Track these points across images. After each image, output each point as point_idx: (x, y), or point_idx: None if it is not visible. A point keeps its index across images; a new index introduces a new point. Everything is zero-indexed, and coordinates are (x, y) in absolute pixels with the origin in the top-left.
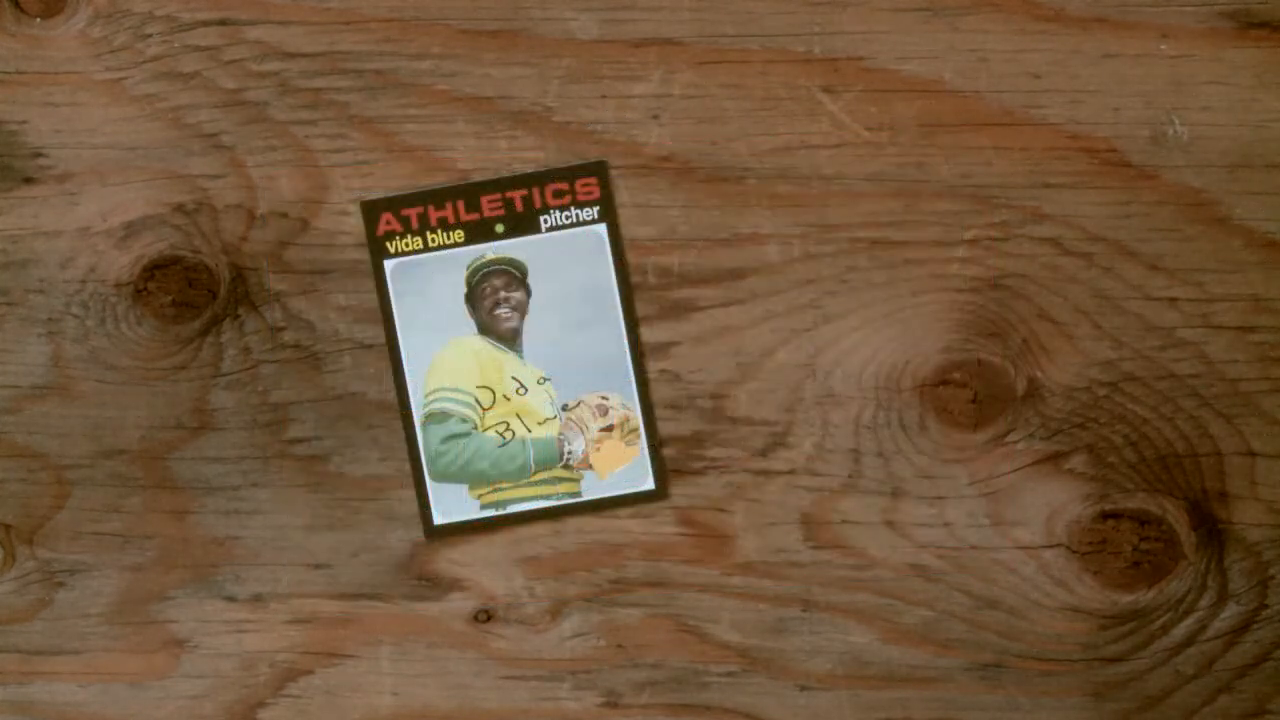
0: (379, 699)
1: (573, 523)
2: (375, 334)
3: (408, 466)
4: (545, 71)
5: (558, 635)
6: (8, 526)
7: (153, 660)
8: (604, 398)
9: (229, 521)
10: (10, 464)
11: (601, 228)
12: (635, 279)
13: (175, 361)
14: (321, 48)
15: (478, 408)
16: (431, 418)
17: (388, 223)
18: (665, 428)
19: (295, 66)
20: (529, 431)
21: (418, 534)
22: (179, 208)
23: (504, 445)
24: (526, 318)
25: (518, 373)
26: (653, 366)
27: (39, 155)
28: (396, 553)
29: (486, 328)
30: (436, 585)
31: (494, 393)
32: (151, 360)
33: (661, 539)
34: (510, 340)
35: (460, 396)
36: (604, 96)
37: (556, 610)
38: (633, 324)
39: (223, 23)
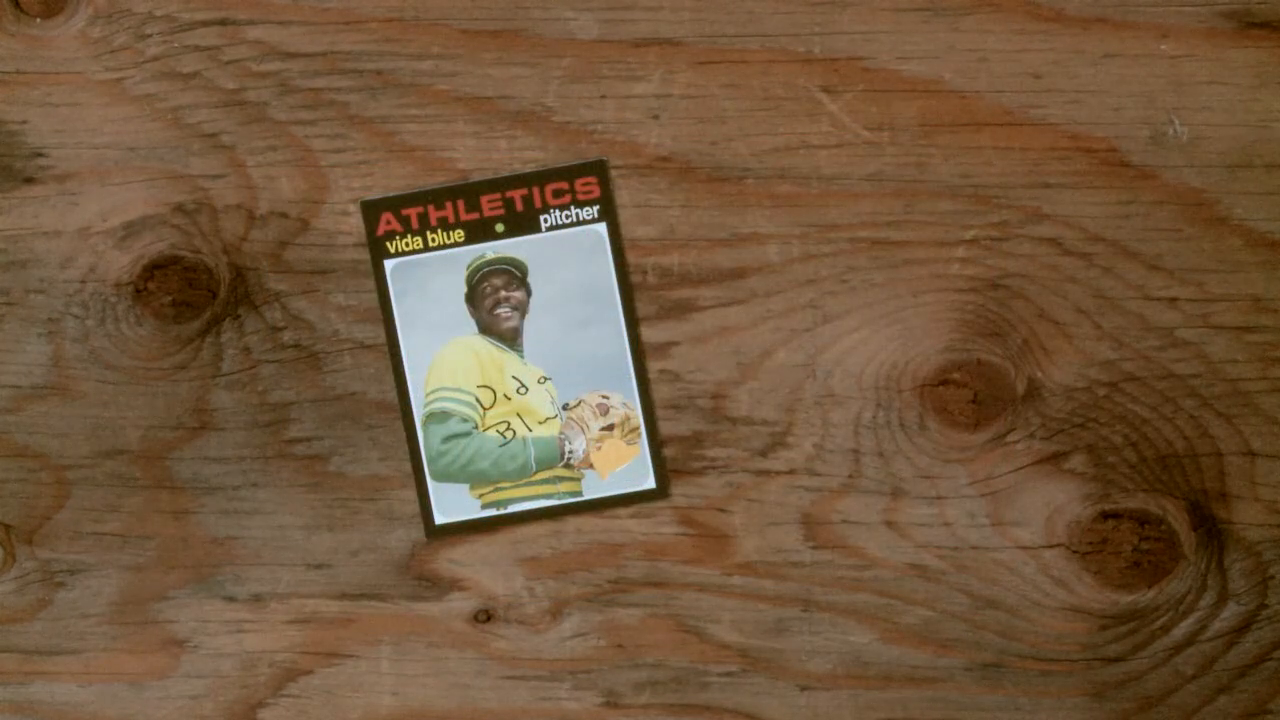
0: (379, 699)
1: (573, 523)
2: (375, 334)
3: (408, 466)
4: (545, 71)
5: (558, 635)
6: (8, 526)
7: (153, 660)
8: (605, 397)
9: (229, 521)
10: (10, 464)
11: (601, 227)
12: (635, 279)
13: (175, 361)
14: (321, 48)
15: (478, 407)
16: (432, 417)
17: (388, 223)
18: (665, 428)
19: (295, 66)
20: (530, 431)
21: (418, 534)
22: (179, 208)
23: (505, 445)
24: (527, 317)
25: (518, 372)
26: (653, 366)
27: (39, 155)
28: (396, 553)
29: (487, 327)
30: (436, 585)
31: (494, 392)
32: (151, 360)
33: (661, 539)
34: (511, 340)
35: (461, 396)
36: (604, 96)
37: (556, 610)
38: (633, 323)
39: (223, 23)
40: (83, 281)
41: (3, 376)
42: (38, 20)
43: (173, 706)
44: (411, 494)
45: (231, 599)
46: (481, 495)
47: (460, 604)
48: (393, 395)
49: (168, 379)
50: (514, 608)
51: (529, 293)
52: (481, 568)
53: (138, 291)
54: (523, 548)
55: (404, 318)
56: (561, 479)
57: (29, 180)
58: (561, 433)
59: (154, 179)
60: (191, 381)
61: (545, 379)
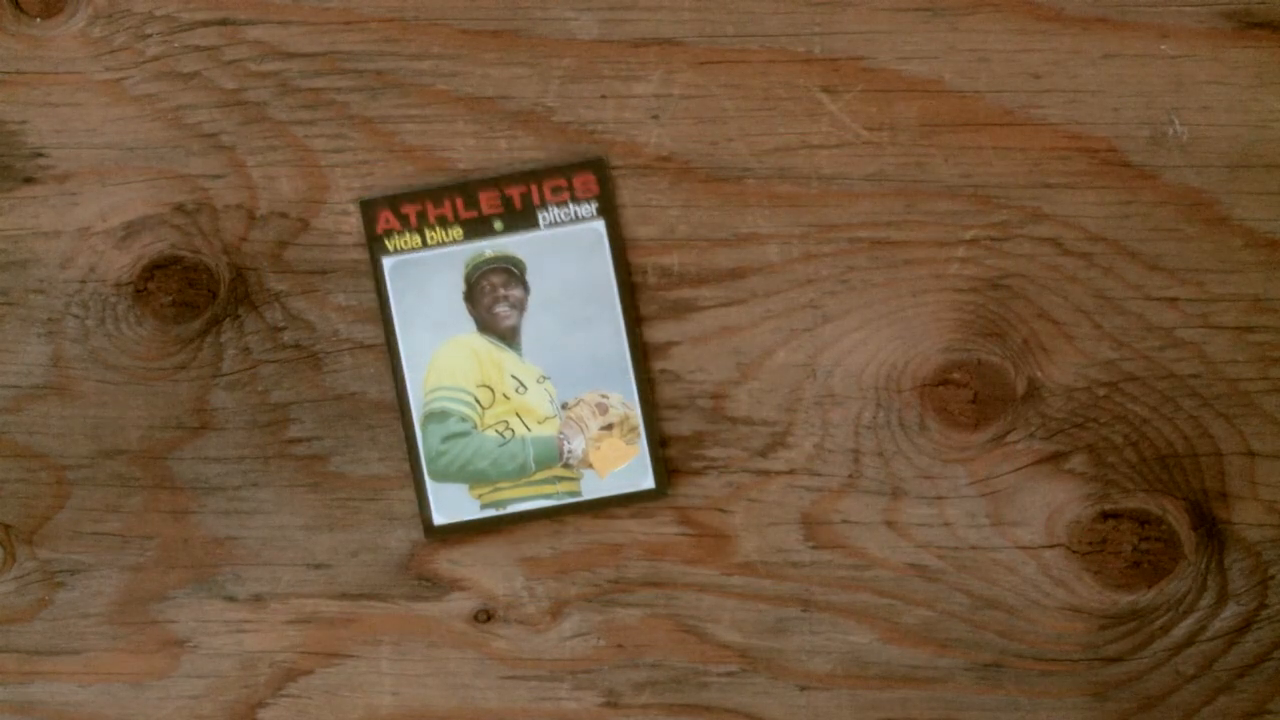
0: (379, 699)
1: (573, 522)
2: (375, 334)
3: (407, 466)
4: (545, 71)
5: (558, 635)
6: (8, 526)
7: (153, 660)
8: (604, 396)
9: (229, 521)
10: (10, 464)
11: (600, 224)
12: (635, 279)
13: (175, 361)
14: (321, 48)
15: (477, 407)
16: (431, 417)
17: (386, 220)
18: (665, 428)
19: (295, 66)
20: (529, 430)
21: (418, 534)
22: (179, 208)
23: (504, 445)
24: (525, 315)
25: (517, 371)
26: (653, 366)
27: (39, 155)
28: (396, 553)
29: (486, 326)
30: (436, 585)
31: (493, 391)
32: (151, 360)
33: (661, 539)
34: (509, 338)
35: (460, 395)
36: (604, 96)
37: (556, 610)
38: (632, 321)
39: (223, 23)
40: (83, 281)
41: (3, 376)
42: (38, 20)
43: (173, 706)
44: (411, 494)
45: (231, 599)
46: (480, 495)
47: (460, 604)
48: (393, 395)
49: (168, 379)
50: (514, 608)
51: (528, 291)
52: (481, 568)
53: (138, 291)
54: (523, 548)
55: (403, 316)
56: (560, 479)
57: (29, 180)
58: (560, 432)
59: (154, 179)
60: (191, 381)
61: (544, 378)
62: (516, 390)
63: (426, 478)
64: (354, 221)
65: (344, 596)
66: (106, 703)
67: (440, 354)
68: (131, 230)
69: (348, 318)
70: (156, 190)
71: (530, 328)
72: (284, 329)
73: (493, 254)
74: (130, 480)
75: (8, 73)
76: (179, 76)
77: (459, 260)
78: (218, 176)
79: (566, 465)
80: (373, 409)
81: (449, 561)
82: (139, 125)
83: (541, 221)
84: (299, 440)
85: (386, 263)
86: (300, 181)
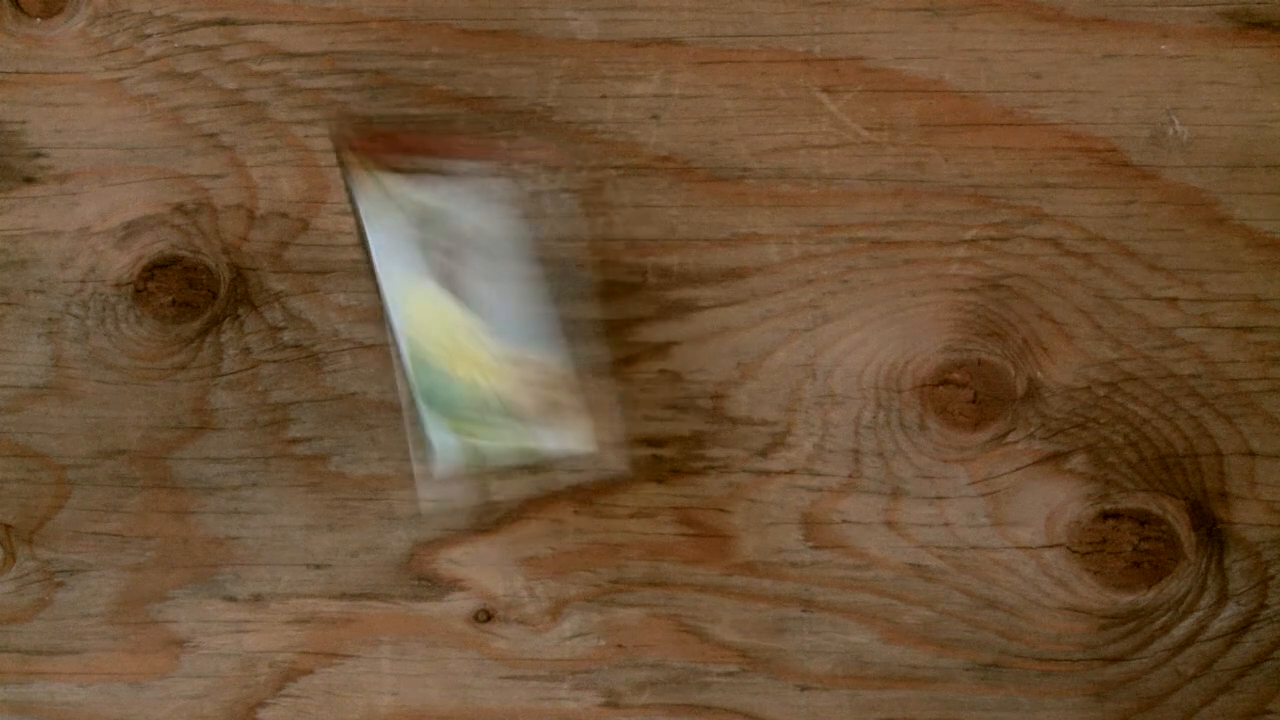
0: (379, 699)
1: (572, 522)
2: (375, 334)
3: (408, 466)
4: (545, 71)
5: (558, 635)
6: (8, 526)
7: (153, 660)
8: (547, 357)
9: (229, 521)
10: (10, 464)
11: (553, 187)
12: (635, 279)
13: (175, 361)
14: (321, 48)
15: (445, 354)
16: (410, 357)
17: (361, 160)
18: (665, 428)
19: (295, 66)
20: (486, 383)
21: (418, 534)
22: (179, 208)
23: (468, 390)
24: (478, 273)
25: (471, 327)
26: (652, 366)
27: (39, 155)
28: (396, 553)
29: (442, 281)
30: (436, 585)
31: (451, 343)
32: (151, 360)
33: (661, 539)
34: (464, 296)
35: (430, 336)
36: (604, 96)
37: (556, 610)
38: (584, 289)
39: (223, 23)
40: (83, 281)
41: (3, 376)
42: (38, 20)
43: (173, 706)
44: (411, 494)
45: (231, 599)
46: (458, 432)
47: (460, 604)
48: (392, 396)
49: (168, 379)
50: (514, 608)
51: (483, 250)
52: (481, 568)
53: (138, 291)
54: (523, 548)
55: (379, 252)
56: (514, 432)
57: (29, 180)
58: (508, 387)
59: (154, 179)
60: (191, 381)
61: (492, 335)
62: (470, 345)
63: (419, 406)
64: (353, 221)
65: (344, 596)
66: (106, 703)
67: (408, 298)
68: (131, 230)
69: (348, 318)
70: (156, 190)
71: (481, 286)
72: (284, 329)
73: (450, 212)
74: (130, 480)
75: (8, 73)
76: (179, 76)
77: (421, 216)
78: (218, 176)
79: (514, 418)
80: (373, 409)
81: (449, 561)
82: (139, 125)
83: (496, 183)
84: (299, 440)
85: (361, 200)
86: (300, 181)
